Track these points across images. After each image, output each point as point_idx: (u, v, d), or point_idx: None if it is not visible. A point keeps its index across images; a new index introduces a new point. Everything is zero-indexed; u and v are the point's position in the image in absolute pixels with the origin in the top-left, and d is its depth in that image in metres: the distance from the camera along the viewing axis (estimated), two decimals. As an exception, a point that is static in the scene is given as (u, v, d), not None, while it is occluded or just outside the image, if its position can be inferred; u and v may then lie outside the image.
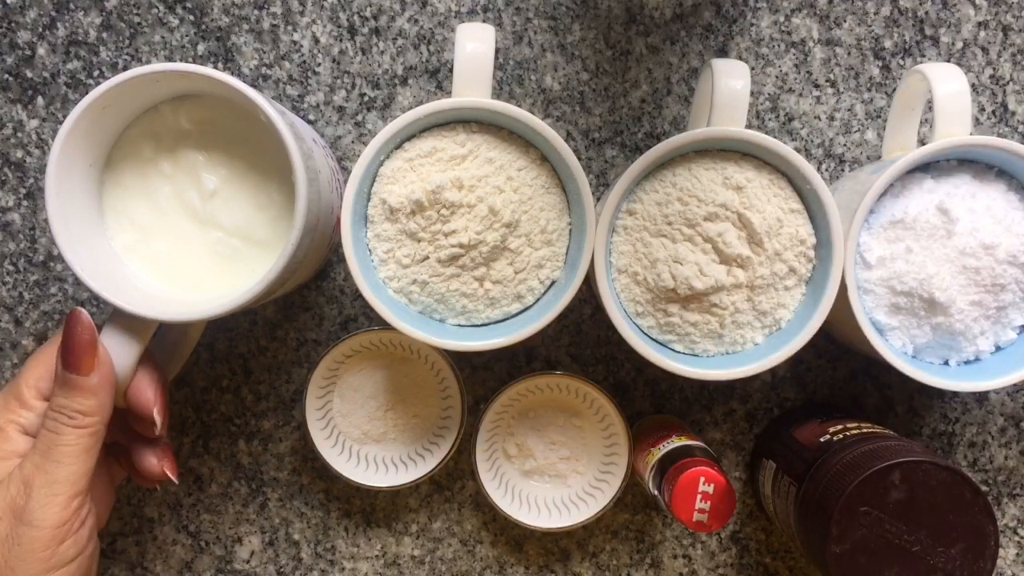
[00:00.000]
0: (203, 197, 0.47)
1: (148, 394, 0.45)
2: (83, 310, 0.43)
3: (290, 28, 0.53)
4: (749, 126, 0.46)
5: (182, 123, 0.47)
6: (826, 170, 0.54)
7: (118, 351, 0.44)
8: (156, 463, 0.47)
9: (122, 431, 0.48)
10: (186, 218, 0.47)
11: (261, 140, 0.46)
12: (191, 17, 0.53)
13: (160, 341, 0.49)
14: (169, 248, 0.47)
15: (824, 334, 0.46)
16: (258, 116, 0.43)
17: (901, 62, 0.54)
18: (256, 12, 0.53)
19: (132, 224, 0.47)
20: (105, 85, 0.42)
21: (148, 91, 0.45)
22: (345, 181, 0.49)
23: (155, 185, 0.47)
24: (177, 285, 0.47)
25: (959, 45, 0.54)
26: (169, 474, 0.47)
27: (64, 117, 0.43)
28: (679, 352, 0.47)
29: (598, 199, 0.51)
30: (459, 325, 0.47)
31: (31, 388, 0.44)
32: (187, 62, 0.52)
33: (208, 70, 0.43)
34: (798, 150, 0.54)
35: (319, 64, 0.54)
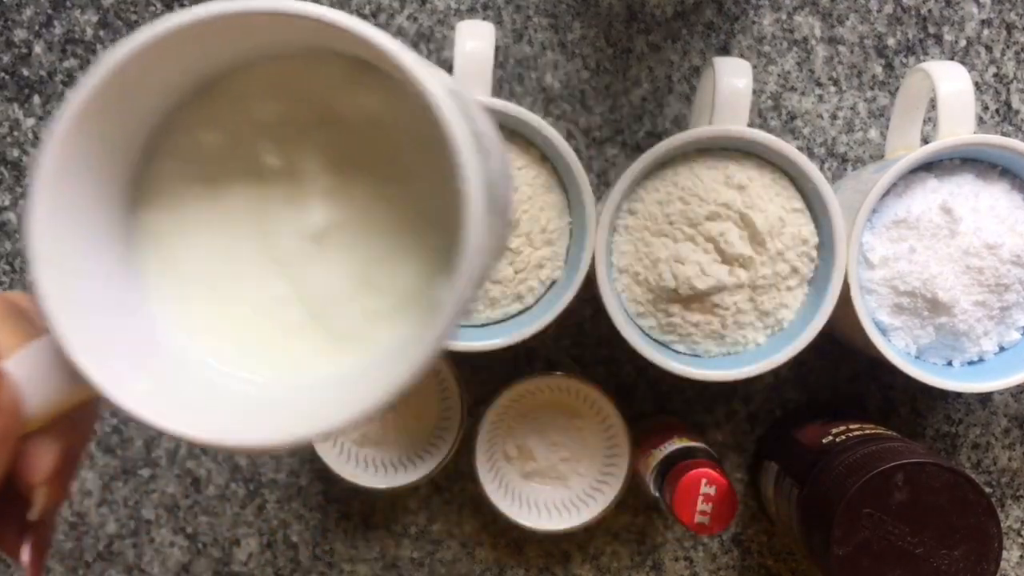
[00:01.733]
0: (301, 234, 0.27)
1: (44, 458, 0.27)
2: None
3: (288, 26, 0.53)
4: (751, 125, 0.46)
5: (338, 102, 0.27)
6: (829, 169, 0.54)
7: (36, 391, 0.25)
8: (13, 541, 0.29)
9: None
10: (256, 254, 0.28)
11: (422, 173, 0.27)
12: (189, 15, 0.53)
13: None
14: (201, 271, 0.28)
15: (826, 335, 0.45)
16: (438, 126, 0.23)
17: (904, 60, 0.54)
18: (254, 10, 0.53)
19: (179, 273, 0.28)
20: (137, 41, 0.24)
21: (236, 42, 0.26)
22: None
23: (228, 204, 0.28)
24: (199, 340, 0.28)
25: (962, 43, 0.54)
26: (27, 567, 0.29)
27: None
28: (680, 353, 0.47)
29: (599, 198, 0.51)
30: (459, 325, 0.47)
31: None
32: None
33: (357, 22, 0.23)
34: (800, 149, 0.53)
35: (318, 62, 0.53)
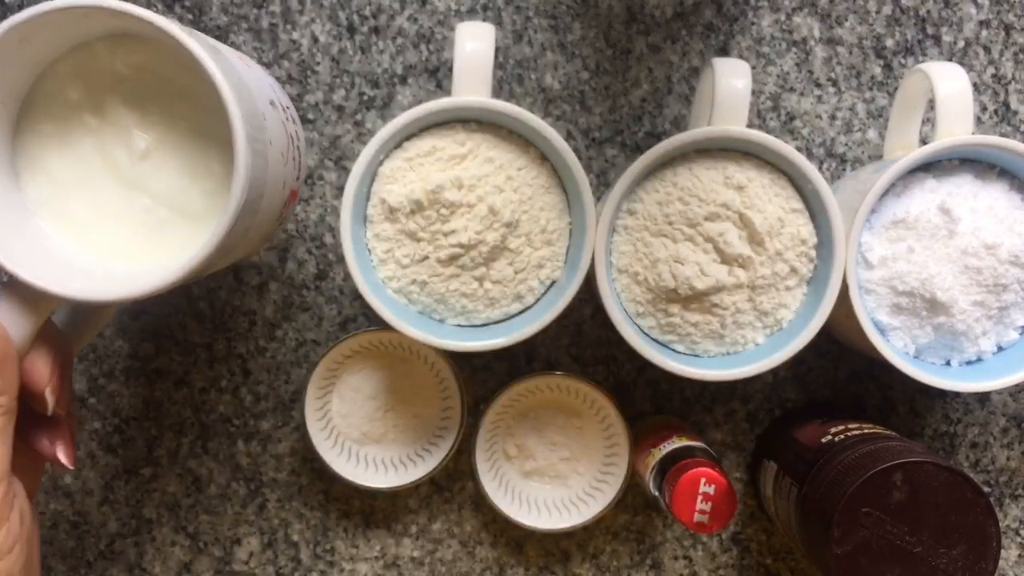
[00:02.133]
0: (132, 157, 0.40)
1: (40, 368, 0.38)
2: None
3: (289, 27, 0.53)
4: (750, 125, 0.46)
5: (117, 66, 0.40)
6: (827, 169, 0.54)
7: (12, 322, 0.37)
8: (48, 445, 0.41)
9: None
10: (111, 178, 0.41)
11: (207, 98, 0.40)
12: (190, 16, 0.53)
13: (71, 307, 0.43)
14: (88, 210, 0.41)
15: (825, 334, 0.46)
16: (202, 69, 0.37)
17: (903, 61, 0.54)
18: (255, 11, 0.53)
19: (48, 177, 0.40)
20: (22, 15, 0.36)
21: (77, 27, 0.39)
22: (347, 173, 0.48)
23: (77, 136, 0.40)
24: (94, 252, 0.41)
25: (961, 44, 0.54)
26: (62, 458, 0.41)
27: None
28: (680, 352, 0.47)
29: (598, 199, 0.51)
30: (459, 325, 0.47)
31: None
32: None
33: (138, 9, 0.36)
34: (799, 149, 0.54)
35: (318, 63, 0.53)
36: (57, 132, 0.40)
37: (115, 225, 0.41)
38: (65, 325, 0.42)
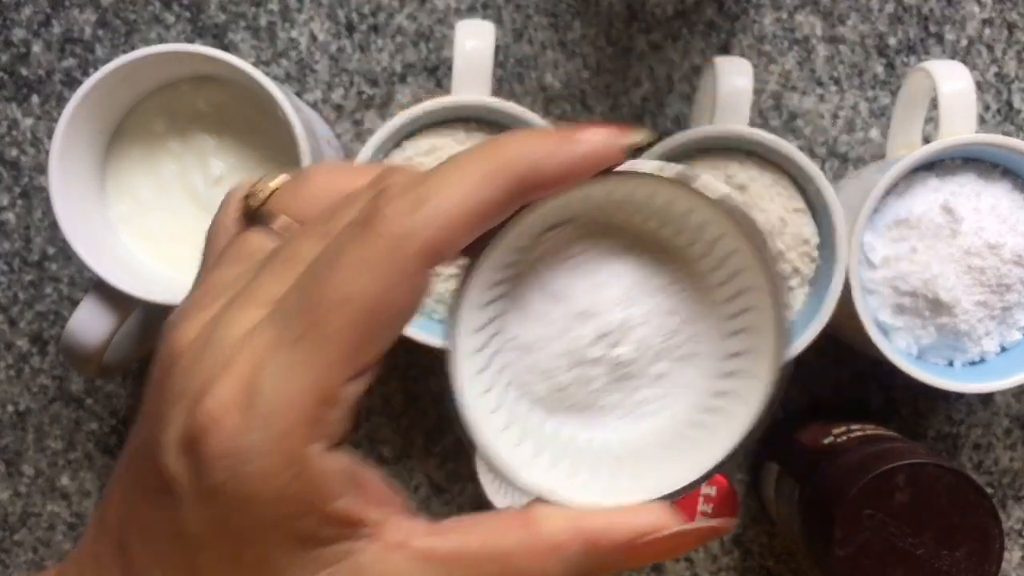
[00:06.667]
0: (208, 182, 0.46)
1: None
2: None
3: (287, 25, 0.53)
4: (752, 124, 0.46)
5: (199, 104, 0.47)
6: (830, 169, 0.54)
7: (95, 323, 0.44)
8: None
9: None
10: (187, 200, 0.47)
11: (275, 132, 0.46)
12: (187, 14, 0.53)
13: (136, 319, 0.49)
14: (165, 227, 0.47)
15: (828, 335, 0.45)
16: (274, 108, 0.43)
17: (905, 60, 0.54)
18: (253, 9, 0.53)
19: (132, 197, 0.47)
20: (126, 58, 0.42)
21: (168, 68, 0.45)
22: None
23: (161, 161, 0.47)
24: (168, 265, 0.47)
25: (964, 43, 0.54)
26: None
27: (59, 115, 0.43)
28: (681, 353, 0.47)
29: (599, 198, 0.51)
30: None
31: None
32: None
33: (229, 57, 0.43)
34: (801, 149, 0.53)
35: (317, 61, 0.53)
36: (143, 158, 0.47)
37: (187, 241, 0.46)
38: (133, 330, 0.48)
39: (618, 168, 0.23)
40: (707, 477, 0.24)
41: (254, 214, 0.25)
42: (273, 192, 0.25)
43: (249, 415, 0.21)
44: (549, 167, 0.22)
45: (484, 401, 0.24)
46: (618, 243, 0.25)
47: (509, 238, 0.23)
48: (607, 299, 0.24)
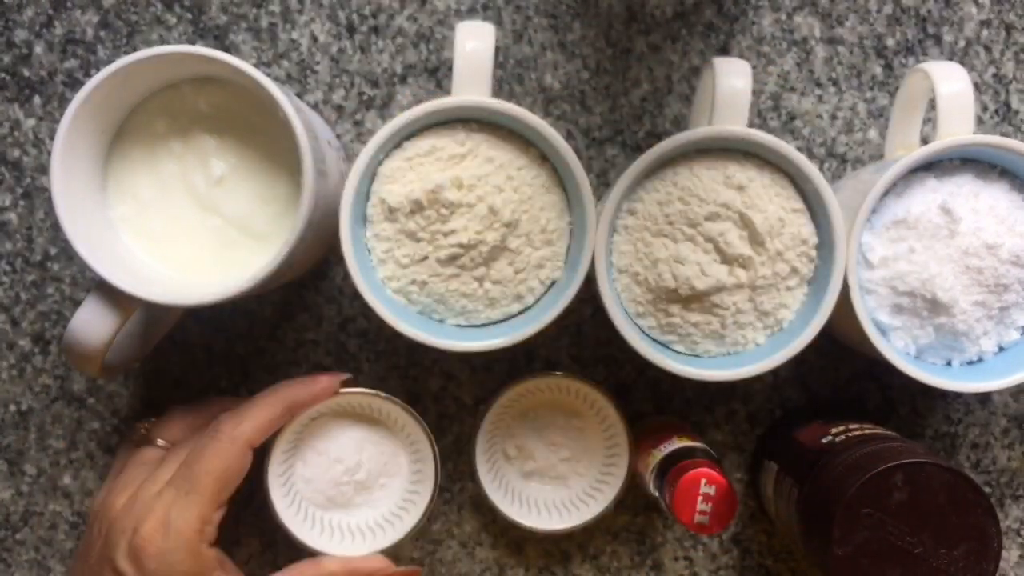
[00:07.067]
0: (209, 182, 0.47)
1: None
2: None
3: (288, 26, 0.53)
4: (751, 125, 0.46)
5: (200, 105, 0.47)
6: (828, 169, 0.54)
7: (96, 323, 0.44)
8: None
9: None
10: (188, 200, 0.47)
11: (276, 133, 0.46)
12: (189, 15, 0.53)
13: (138, 319, 0.49)
14: (166, 227, 0.47)
15: (826, 335, 0.45)
16: (276, 109, 0.43)
17: (903, 61, 0.54)
18: (254, 10, 0.53)
19: (133, 197, 0.47)
20: (128, 59, 0.43)
21: (170, 69, 0.45)
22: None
23: (162, 162, 0.47)
24: (168, 265, 0.47)
25: (962, 44, 0.54)
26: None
27: (61, 116, 0.43)
28: (680, 353, 0.47)
29: (599, 198, 0.51)
30: (459, 325, 0.47)
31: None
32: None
33: (231, 58, 0.43)
34: (800, 149, 0.53)
35: (318, 63, 0.53)
36: (144, 158, 0.47)
37: (189, 242, 0.47)
38: (134, 330, 0.49)
39: (339, 391, 0.49)
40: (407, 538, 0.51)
41: (143, 439, 0.50)
42: (150, 429, 0.50)
43: (166, 536, 0.44)
44: (302, 397, 0.48)
45: (290, 508, 0.50)
46: (352, 421, 0.51)
47: (289, 430, 0.49)
48: (348, 451, 0.50)
